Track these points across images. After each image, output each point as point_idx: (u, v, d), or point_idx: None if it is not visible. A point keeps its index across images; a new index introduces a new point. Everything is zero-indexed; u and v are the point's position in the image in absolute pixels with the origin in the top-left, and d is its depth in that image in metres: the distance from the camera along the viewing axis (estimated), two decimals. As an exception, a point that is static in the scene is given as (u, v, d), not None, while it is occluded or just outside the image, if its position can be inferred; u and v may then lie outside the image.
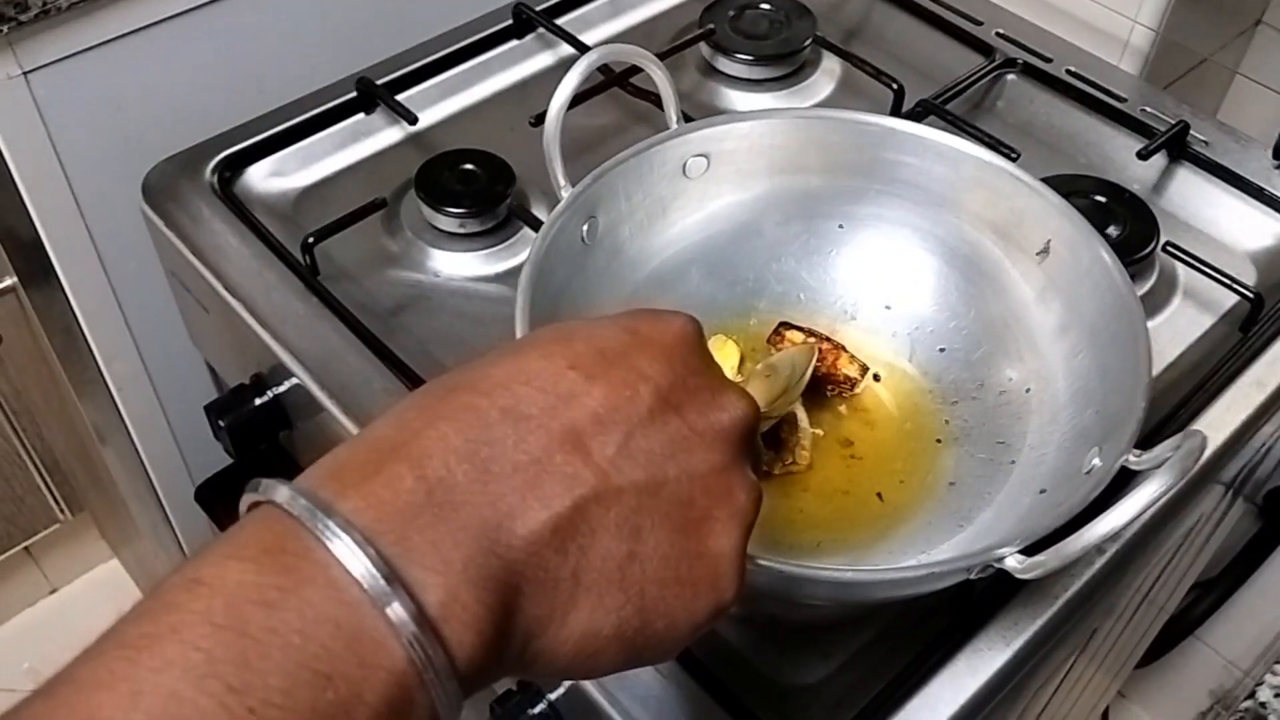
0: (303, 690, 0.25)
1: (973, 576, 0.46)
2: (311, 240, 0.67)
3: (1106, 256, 0.54)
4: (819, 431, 0.58)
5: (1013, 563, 0.44)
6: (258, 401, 0.71)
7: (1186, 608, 1.17)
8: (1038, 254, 0.58)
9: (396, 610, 0.27)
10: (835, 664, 0.54)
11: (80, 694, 0.25)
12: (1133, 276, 0.68)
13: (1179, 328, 0.69)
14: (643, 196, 0.60)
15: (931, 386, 0.60)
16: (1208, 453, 0.61)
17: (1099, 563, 0.57)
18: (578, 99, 0.76)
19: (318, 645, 0.26)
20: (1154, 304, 0.70)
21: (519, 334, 0.49)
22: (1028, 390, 0.58)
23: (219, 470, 0.81)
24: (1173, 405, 0.63)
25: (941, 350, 0.61)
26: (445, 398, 0.32)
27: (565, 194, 0.56)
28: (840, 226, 0.63)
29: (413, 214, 0.72)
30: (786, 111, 0.63)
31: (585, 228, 0.57)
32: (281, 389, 0.69)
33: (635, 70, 0.77)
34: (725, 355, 0.60)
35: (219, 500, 0.84)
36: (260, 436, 0.73)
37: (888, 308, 0.63)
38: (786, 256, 0.64)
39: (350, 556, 0.27)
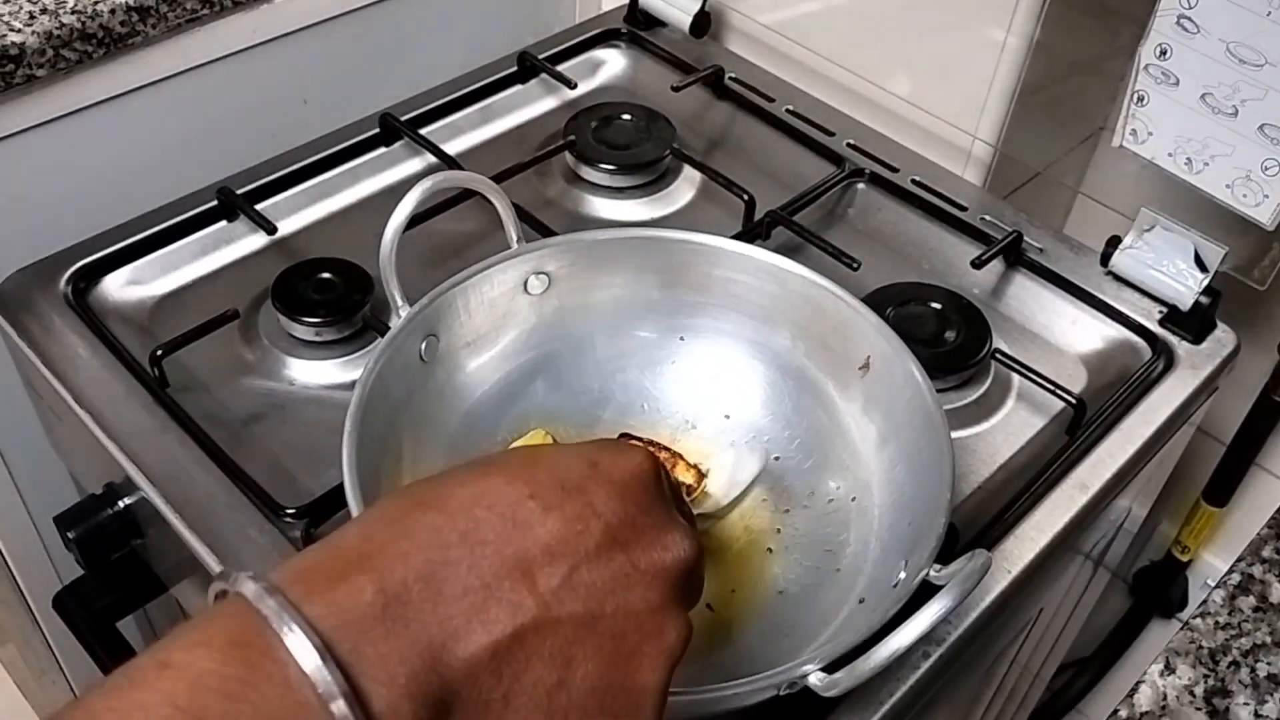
0: None
1: (781, 694, 0.48)
2: (160, 353, 0.68)
3: (919, 376, 0.57)
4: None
5: (814, 680, 0.46)
6: (109, 511, 0.71)
7: (1064, 686, 1.20)
8: (860, 369, 0.61)
9: (344, 715, 0.29)
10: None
11: None
12: (967, 381, 0.73)
13: (1011, 429, 0.72)
14: (484, 313, 0.61)
15: (765, 495, 0.62)
16: (1029, 558, 0.64)
17: (923, 666, 0.59)
18: (442, 205, 0.78)
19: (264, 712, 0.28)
20: (988, 406, 0.73)
21: (345, 463, 0.51)
22: (853, 499, 0.60)
23: (73, 580, 0.80)
24: (1001, 506, 0.66)
25: (776, 459, 0.63)
26: (410, 512, 0.34)
27: (403, 313, 0.57)
28: (681, 339, 0.66)
29: (270, 323, 0.73)
30: (624, 230, 0.66)
31: (424, 345, 0.59)
32: (131, 500, 0.69)
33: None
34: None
35: (78, 608, 0.82)
36: (112, 545, 0.72)
37: (727, 417, 0.65)
38: (630, 367, 0.66)
39: (309, 660, 0.29)
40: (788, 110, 0.91)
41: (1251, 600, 0.51)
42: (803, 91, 0.94)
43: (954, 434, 0.68)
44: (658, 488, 0.38)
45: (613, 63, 0.98)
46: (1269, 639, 0.49)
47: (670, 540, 0.37)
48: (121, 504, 0.70)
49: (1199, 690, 0.47)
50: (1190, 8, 0.69)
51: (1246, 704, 0.47)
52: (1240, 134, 0.70)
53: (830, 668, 0.46)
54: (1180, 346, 0.76)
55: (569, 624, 0.33)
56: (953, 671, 0.62)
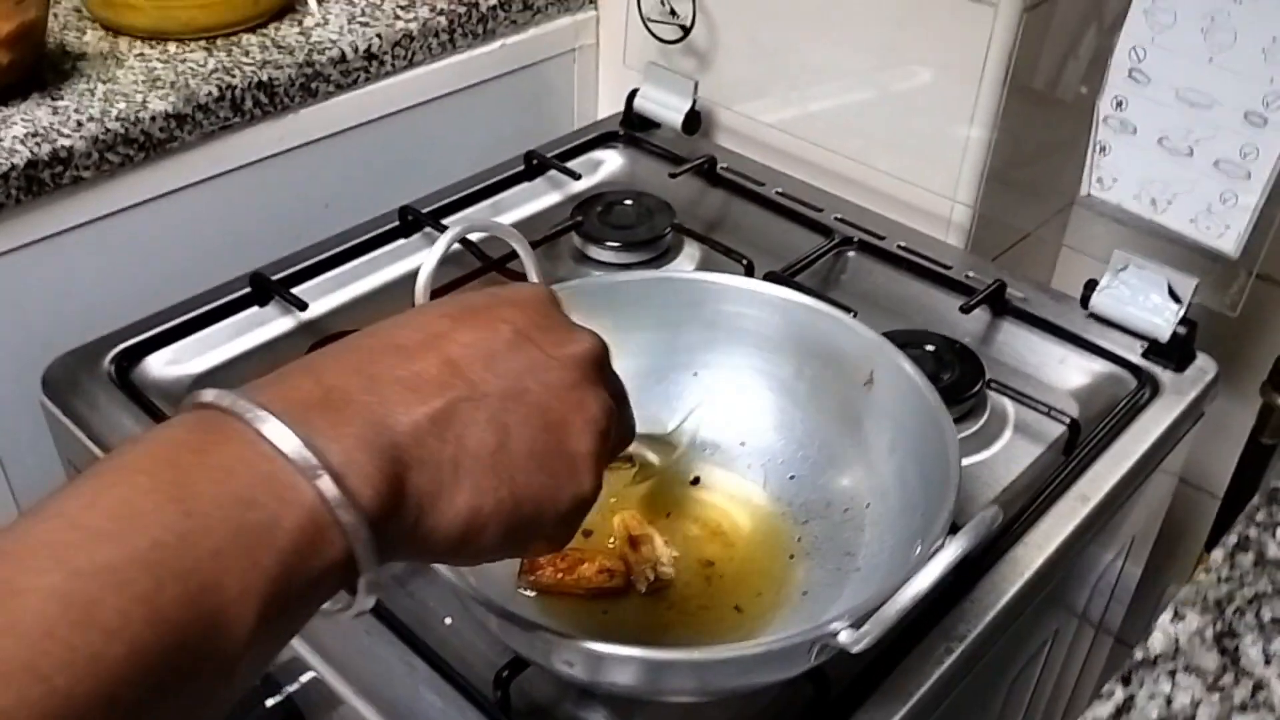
0: (229, 507, 0.30)
1: (814, 660, 0.50)
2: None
3: (918, 379, 0.61)
4: (675, 553, 0.62)
5: (844, 636, 0.48)
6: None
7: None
8: (864, 384, 0.65)
9: (306, 458, 0.32)
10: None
11: (50, 499, 0.30)
12: (966, 415, 0.77)
13: (1011, 457, 0.76)
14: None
15: (784, 510, 0.66)
16: (1039, 563, 0.67)
17: (947, 661, 0.61)
18: (457, 282, 0.83)
19: (240, 481, 0.31)
20: (988, 437, 0.77)
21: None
22: (867, 505, 0.63)
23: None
24: (1008, 519, 0.69)
25: (792, 477, 0.67)
26: (338, 344, 0.39)
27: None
28: (695, 374, 0.70)
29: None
30: (637, 272, 0.71)
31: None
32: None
33: (512, 255, 0.84)
34: None
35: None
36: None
37: (742, 444, 0.69)
38: (648, 403, 0.69)
39: (265, 423, 0.32)
40: (778, 192, 0.98)
41: (1250, 557, 0.54)
42: (790, 176, 1.01)
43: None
44: (556, 307, 0.43)
45: (611, 161, 1.05)
46: (1270, 589, 0.52)
47: (577, 336, 0.42)
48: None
49: (1209, 634, 0.50)
50: (1140, 61, 0.76)
51: (1255, 643, 0.49)
52: (1197, 171, 0.76)
53: (856, 625, 0.48)
54: (1164, 375, 0.80)
55: (496, 397, 0.38)
56: (973, 677, 0.64)
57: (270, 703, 0.66)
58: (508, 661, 0.58)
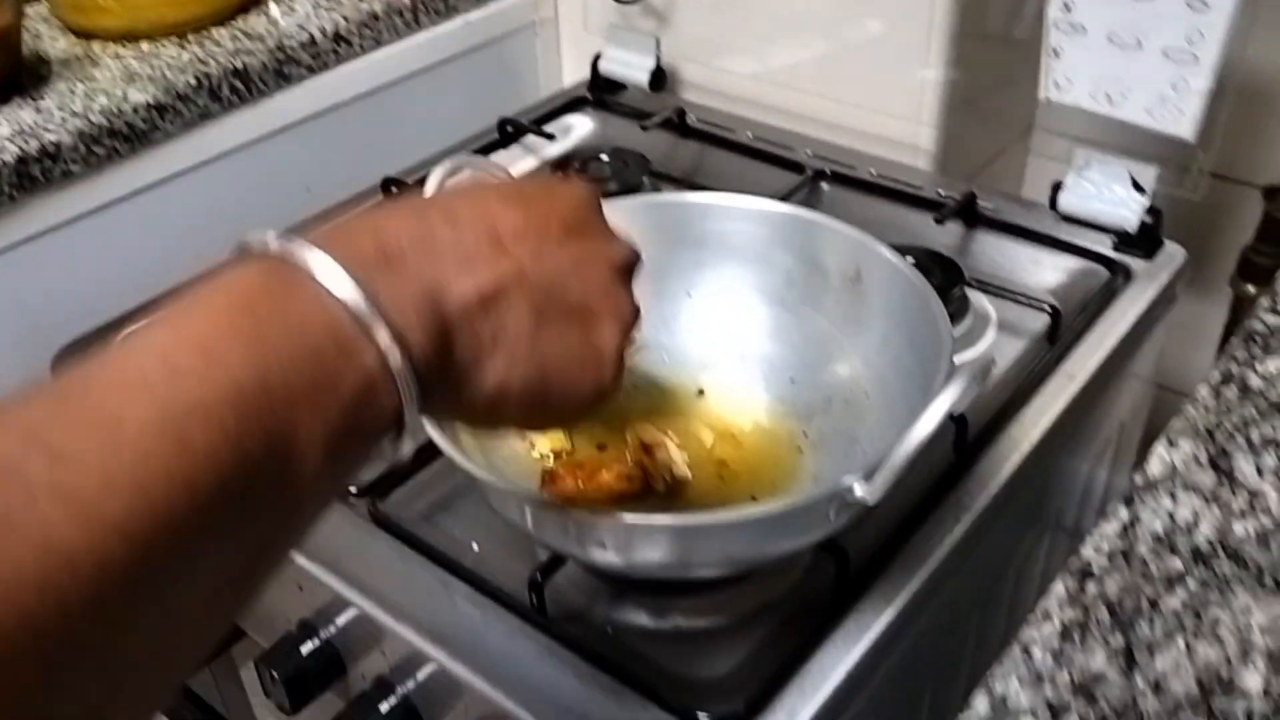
0: (302, 359, 0.32)
1: (834, 519, 0.53)
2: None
3: (899, 264, 0.64)
4: (685, 453, 0.65)
5: (859, 489, 0.51)
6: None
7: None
8: (852, 281, 0.67)
9: (371, 319, 0.34)
10: (738, 657, 0.59)
11: (142, 331, 0.32)
12: (951, 317, 0.80)
13: (997, 353, 0.79)
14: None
15: (788, 410, 0.68)
16: (1036, 436, 0.69)
17: (956, 531, 0.63)
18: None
19: (310, 336, 0.33)
20: (972, 338, 0.80)
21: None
22: (867, 395, 0.66)
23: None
24: (999, 406, 0.72)
25: (792, 380, 0.69)
26: (398, 206, 0.40)
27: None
28: (689, 294, 0.72)
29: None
30: (623, 199, 0.73)
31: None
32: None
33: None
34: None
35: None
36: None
37: (741, 356, 0.71)
38: (645, 326, 0.72)
39: (332, 276, 0.34)
40: (749, 136, 1.01)
41: (1234, 389, 0.57)
42: (759, 121, 1.04)
43: None
44: (599, 209, 0.46)
45: (582, 124, 1.07)
46: (1256, 414, 0.55)
47: (619, 241, 0.45)
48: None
49: (1202, 456, 0.53)
50: (1081, -37, 0.79)
51: (1248, 461, 0.52)
52: (1147, 62, 0.80)
53: (868, 478, 0.51)
54: (1135, 265, 0.83)
55: (541, 287, 0.40)
56: (977, 558, 0.66)
57: (306, 649, 0.68)
58: (539, 565, 0.60)
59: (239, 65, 0.91)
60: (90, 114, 0.84)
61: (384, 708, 0.65)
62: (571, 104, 1.08)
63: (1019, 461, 0.68)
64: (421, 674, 0.64)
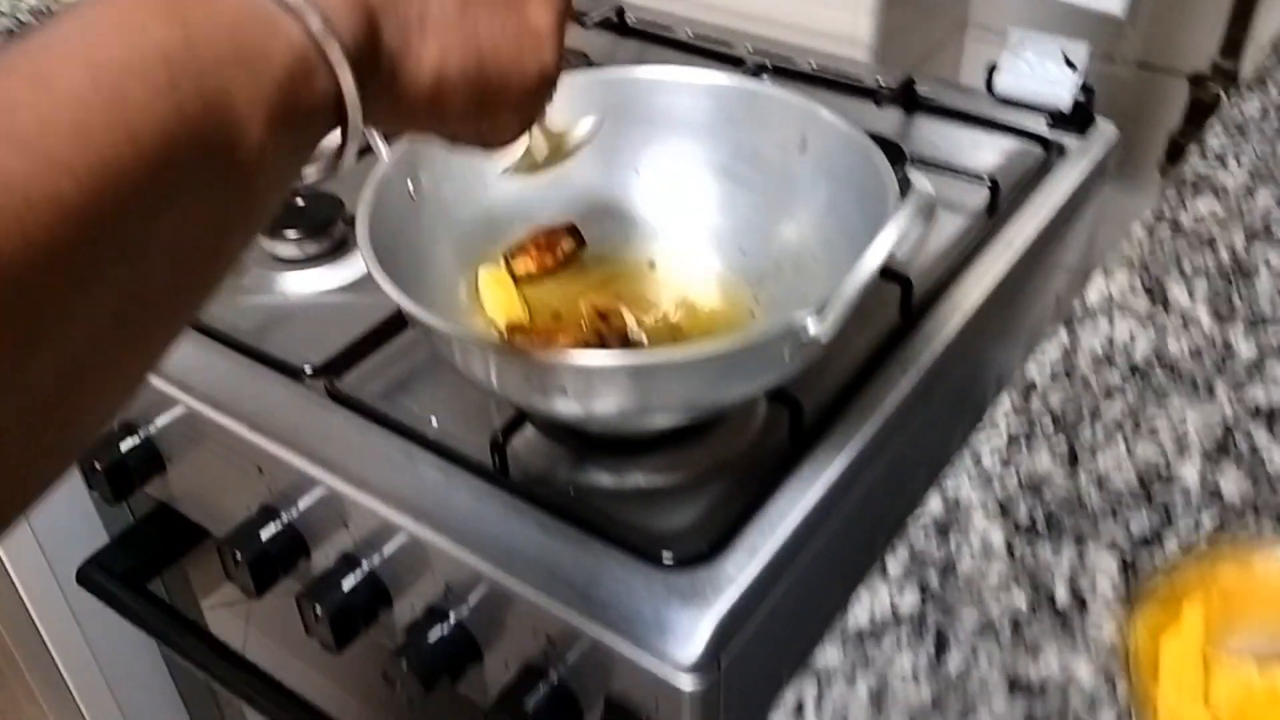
0: (225, 29, 0.32)
1: (790, 360, 0.54)
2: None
3: (843, 125, 0.65)
4: (639, 320, 0.66)
5: (811, 324, 0.52)
6: (125, 446, 0.75)
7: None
8: (798, 149, 0.68)
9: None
10: (698, 510, 0.60)
11: (58, 16, 0.30)
12: (893, 194, 0.81)
13: (938, 231, 0.80)
14: (459, 157, 0.68)
15: (740, 278, 0.69)
16: (979, 297, 0.72)
17: (903, 384, 0.65)
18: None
19: (229, 8, 0.32)
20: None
21: (372, 271, 0.56)
22: (816, 259, 0.67)
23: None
24: (943, 273, 0.73)
25: (742, 250, 0.70)
26: None
27: (387, 156, 0.64)
28: (636, 171, 0.73)
29: (257, 250, 0.79)
30: (572, 76, 0.73)
31: (410, 185, 0.65)
32: (160, 424, 0.73)
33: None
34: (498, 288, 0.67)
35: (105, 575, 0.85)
36: (130, 483, 0.76)
37: (691, 228, 0.72)
38: (596, 200, 0.73)
39: None
40: (688, 34, 1.01)
41: (1166, 228, 0.59)
42: (698, 19, 1.04)
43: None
44: None
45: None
46: (1187, 248, 0.57)
47: None
48: (141, 435, 0.75)
49: (1137, 285, 0.55)
50: None
51: (1180, 288, 0.54)
52: (1077, -60, 0.81)
53: (820, 314, 0.52)
54: (1069, 142, 0.85)
55: None
56: (925, 409, 0.68)
57: (268, 532, 0.69)
58: (500, 425, 0.61)
59: None
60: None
61: (347, 584, 0.66)
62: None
63: (962, 322, 0.70)
64: (388, 547, 0.65)
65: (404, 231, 0.64)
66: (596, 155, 0.72)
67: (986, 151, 0.87)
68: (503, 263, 0.69)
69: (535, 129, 0.55)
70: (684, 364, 0.52)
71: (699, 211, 0.72)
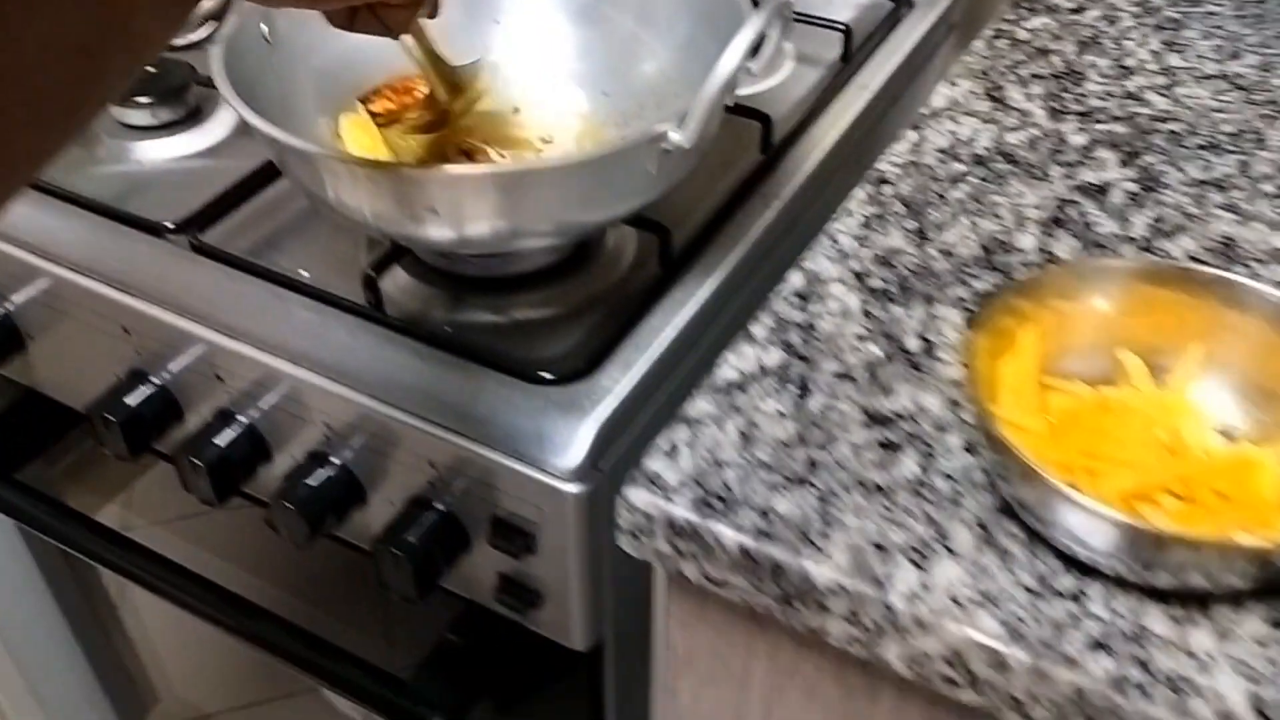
0: None
1: (657, 172, 0.55)
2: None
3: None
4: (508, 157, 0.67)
5: (674, 135, 0.53)
6: None
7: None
8: (662, -8, 0.69)
9: None
10: (575, 337, 0.62)
11: None
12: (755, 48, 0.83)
13: (796, 80, 0.83)
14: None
15: (604, 118, 0.70)
16: (835, 136, 0.74)
17: (766, 214, 0.67)
18: None
19: None
20: (774, 67, 0.83)
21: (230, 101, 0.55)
22: (677, 94, 0.68)
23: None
24: (802, 115, 0.76)
25: (605, 93, 0.71)
26: None
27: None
28: (496, 21, 0.73)
29: (107, 120, 0.77)
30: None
31: (265, 28, 0.64)
32: (17, 300, 0.71)
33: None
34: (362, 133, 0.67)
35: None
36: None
37: (554, 74, 0.72)
38: (457, 51, 0.72)
39: None
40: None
41: (1005, 41, 0.62)
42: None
43: (749, 90, 0.80)
44: None
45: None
46: (1024, 58, 0.60)
47: None
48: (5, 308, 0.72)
49: (979, 89, 0.58)
50: None
51: (1018, 91, 0.57)
52: None
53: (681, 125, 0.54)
54: (916, -2, 0.88)
55: None
56: (788, 244, 0.71)
57: (137, 396, 0.68)
58: (371, 261, 0.61)
59: None
60: None
61: (224, 438, 0.65)
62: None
63: (820, 158, 0.73)
64: (266, 400, 0.64)
65: (262, 77, 0.63)
66: (457, 6, 0.72)
67: (840, 8, 0.90)
68: (361, 108, 0.68)
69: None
70: (551, 172, 0.53)
71: (560, 56, 0.72)
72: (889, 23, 0.85)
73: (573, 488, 0.55)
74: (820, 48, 0.84)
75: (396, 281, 0.64)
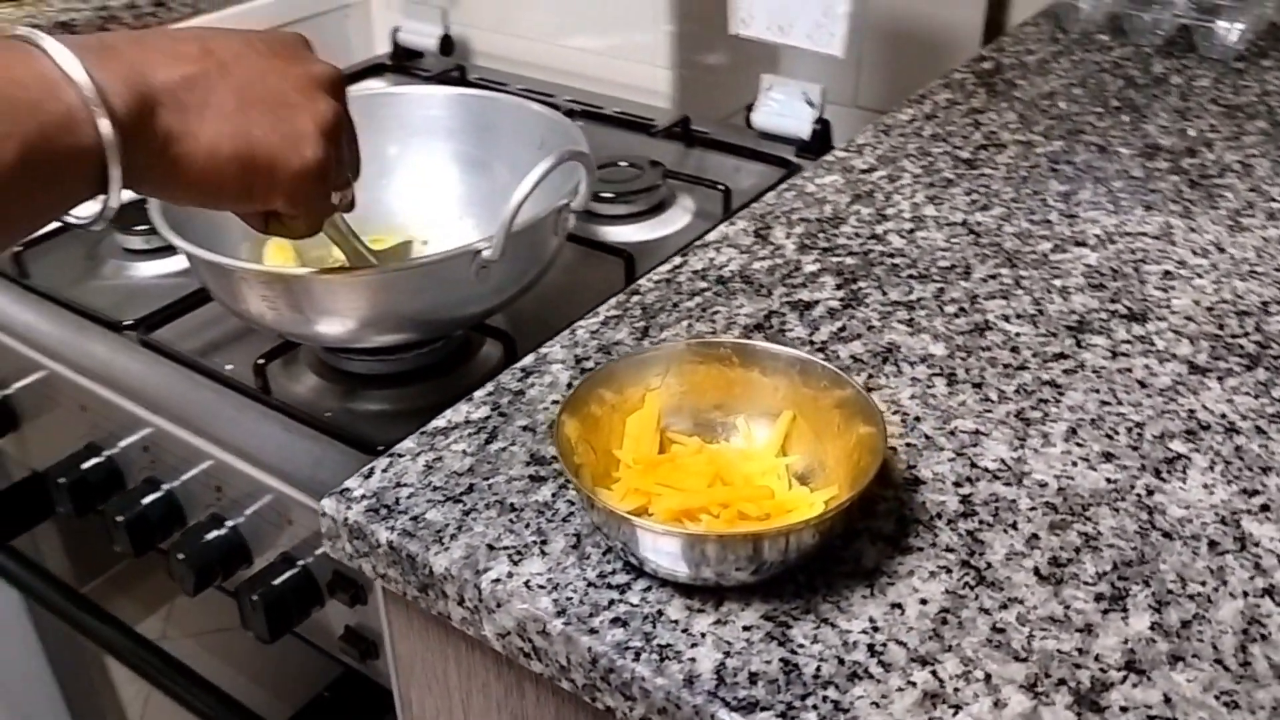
0: (4, 86, 0.42)
1: (477, 278, 0.68)
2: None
3: (562, 119, 0.81)
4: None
5: (484, 250, 0.66)
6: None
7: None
8: (537, 148, 0.84)
9: (74, 69, 0.43)
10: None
11: None
12: (655, 207, 0.96)
13: (687, 230, 0.95)
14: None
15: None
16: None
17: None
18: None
19: (18, 74, 0.42)
20: (669, 221, 0.96)
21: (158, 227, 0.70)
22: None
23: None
24: (667, 253, 0.88)
25: (488, 224, 0.85)
26: (114, 36, 0.49)
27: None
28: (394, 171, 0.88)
29: (110, 243, 0.94)
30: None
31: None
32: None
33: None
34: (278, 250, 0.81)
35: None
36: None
37: (451, 211, 0.87)
38: (365, 208, 0.88)
39: (50, 47, 0.43)
40: (519, 89, 1.18)
41: (793, 192, 0.73)
42: (530, 77, 1.21)
43: (647, 237, 0.93)
44: (307, 47, 0.56)
45: (377, 86, 1.24)
46: (802, 206, 0.72)
47: (320, 63, 0.54)
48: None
49: (750, 229, 0.69)
50: (749, -82, 0.98)
51: (782, 230, 0.69)
52: (805, -4, 0.98)
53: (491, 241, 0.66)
54: (806, 165, 1.01)
55: (243, 79, 0.49)
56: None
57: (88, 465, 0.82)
58: (264, 352, 0.74)
59: (65, 19, 1.07)
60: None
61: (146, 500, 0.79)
62: (373, 69, 1.25)
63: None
64: (191, 472, 0.77)
65: (193, 214, 0.78)
66: (373, 161, 0.87)
67: (746, 175, 1.03)
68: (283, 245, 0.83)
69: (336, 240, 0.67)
70: (391, 274, 0.66)
71: (454, 197, 0.87)
72: (772, 186, 0.98)
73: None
74: (715, 207, 0.97)
75: (301, 376, 0.77)
